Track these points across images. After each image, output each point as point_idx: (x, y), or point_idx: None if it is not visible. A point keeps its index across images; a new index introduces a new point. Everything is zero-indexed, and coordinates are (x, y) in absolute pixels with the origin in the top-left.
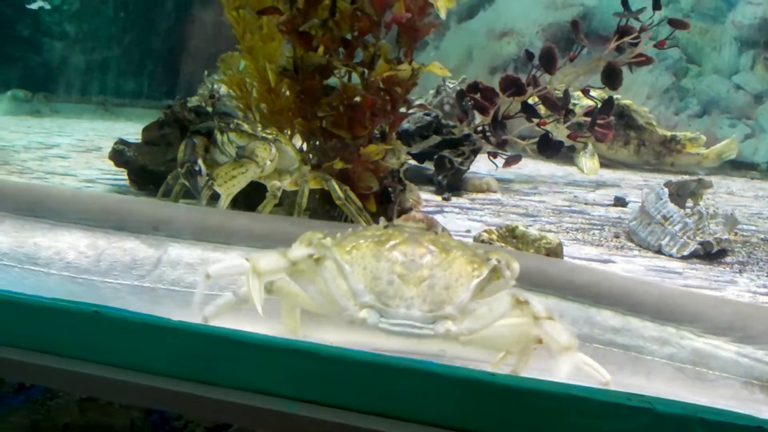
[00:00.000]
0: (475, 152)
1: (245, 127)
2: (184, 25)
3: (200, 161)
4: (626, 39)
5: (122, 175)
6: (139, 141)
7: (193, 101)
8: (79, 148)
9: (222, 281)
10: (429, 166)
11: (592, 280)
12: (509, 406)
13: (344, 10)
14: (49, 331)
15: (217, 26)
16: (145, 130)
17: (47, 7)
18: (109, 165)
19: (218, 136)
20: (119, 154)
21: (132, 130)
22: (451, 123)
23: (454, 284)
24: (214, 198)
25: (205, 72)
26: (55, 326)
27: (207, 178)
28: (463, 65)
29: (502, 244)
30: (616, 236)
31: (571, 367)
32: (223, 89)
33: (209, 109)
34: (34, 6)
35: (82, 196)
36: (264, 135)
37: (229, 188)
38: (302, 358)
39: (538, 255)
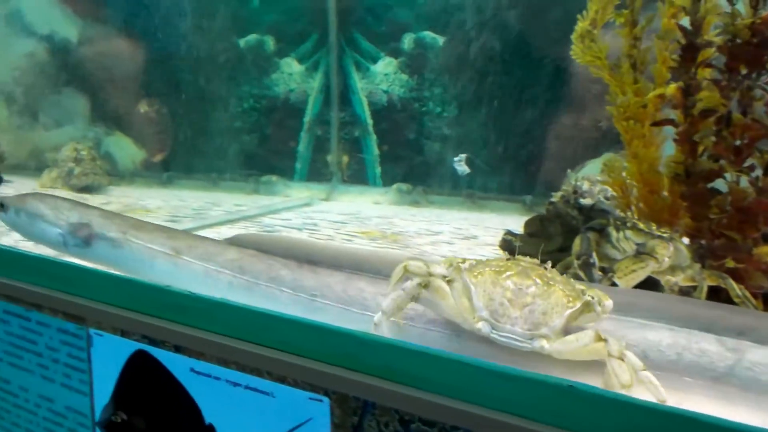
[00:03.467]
0: None
1: (641, 225)
2: (544, 127)
3: (594, 254)
4: None
5: None
6: (522, 232)
7: (557, 197)
8: (458, 235)
9: None
10: None
11: None
12: None
13: (737, 120)
14: (525, 399)
15: (575, 129)
16: (527, 223)
17: (464, 155)
18: (488, 251)
19: (613, 233)
20: (508, 244)
21: (497, 222)
22: None
23: (550, 311)
24: None
25: (568, 170)
26: (531, 395)
27: (601, 269)
28: None
29: None
30: None
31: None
32: (585, 186)
33: (588, 204)
34: (460, 168)
35: None
36: (660, 234)
37: (628, 281)
38: None
39: None
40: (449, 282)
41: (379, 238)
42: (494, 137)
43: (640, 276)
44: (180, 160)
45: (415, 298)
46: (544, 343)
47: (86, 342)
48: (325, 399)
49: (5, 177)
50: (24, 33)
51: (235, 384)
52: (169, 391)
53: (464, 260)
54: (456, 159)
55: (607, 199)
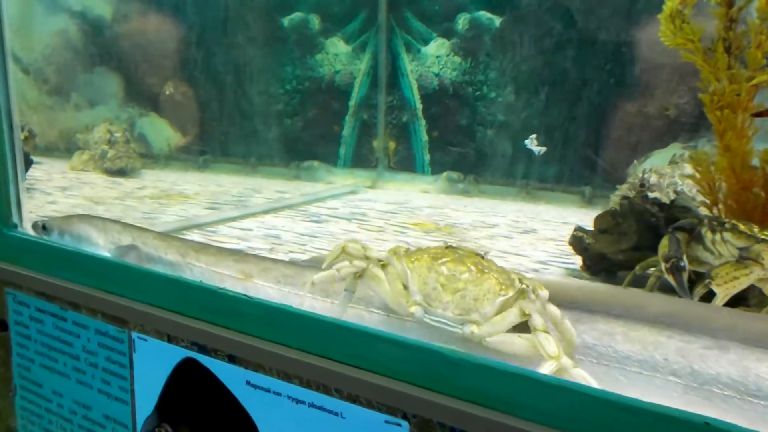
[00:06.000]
0: None
1: (742, 227)
2: (606, 115)
3: (685, 257)
4: None
5: (570, 259)
6: (591, 228)
7: (623, 189)
8: (516, 228)
9: None
10: None
11: None
12: None
13: None
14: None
15: (640, 117)
16: (597, 218)
17: (534, 135)
18: (550, 246)
19: (707, 234)
20: (579, 241)
21: (555, 214)
22: None
23: (481, 298)
24: (704, 297)
25: (634, 161)
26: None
27: (692, 274)
28: None
29: None
30: None
31: (547, 371)
32: (653, 178)
33: (667, 201)
34: (535, 149)
35: None
36: (764, 236)
37: (728, 288)
38: None
39: None
40: (384, 266)
41: (432, 231)
42: (552, 124)
43: (743, 283)
44: (217, 144)
45: (350, 281)
46: (474, 329)
47: (128, 346)
48: (404, 423)
49: (35, 159)
50: (55, 9)
51: (298, 401)
52: (221, 405)
53: (407, 249)
54: (527, 141)
55: (676, 193)
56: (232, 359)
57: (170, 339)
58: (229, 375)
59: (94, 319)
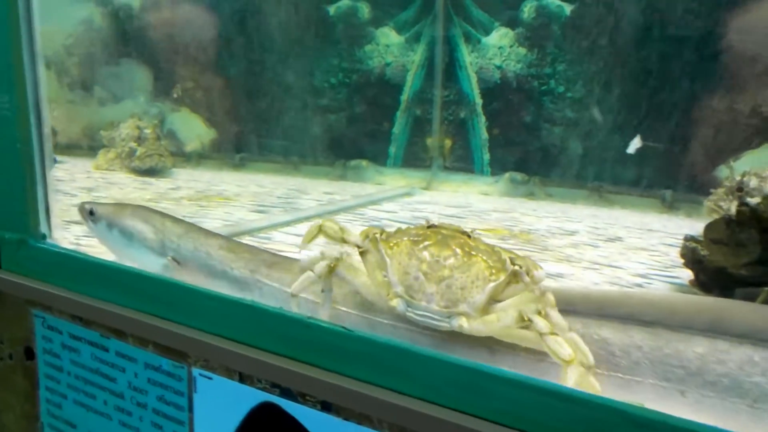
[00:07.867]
0: None
1: None
2: (689, 112)
3: None
4: None
5: (672, 271)
6: (701, 238)
7: (719, 194)
8: (599, 236)
9: None
10: None
11: None
12: None
13: None
14: None
15: (729, 114)
16: (708, 227)
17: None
18: (644, 257)
19: None
20: (692, 252)
21: (635, 220)
22: None
23: (469, 285)
24: None
25: (731, 163)
26: None
27: None
28: None
29: None
30: None
31: (573, 379)
32: (753, 182)
33: None
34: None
35: None
36: None
37: None
38: None
39: None
40: (363, 254)
41: (508, 238)
42: (627, 122)
43: None
44: (255, 141)
45: (325, 280)
46: (463, 322)
47: (187, 385)
48: None
49: (57, 157)
50: None
51: None
52: None
53: (382, 231)
54: (630, 149)
55: None
56: (326, 407)
57: (243, 378)
58: (322, 426)
59: (144, 350)
